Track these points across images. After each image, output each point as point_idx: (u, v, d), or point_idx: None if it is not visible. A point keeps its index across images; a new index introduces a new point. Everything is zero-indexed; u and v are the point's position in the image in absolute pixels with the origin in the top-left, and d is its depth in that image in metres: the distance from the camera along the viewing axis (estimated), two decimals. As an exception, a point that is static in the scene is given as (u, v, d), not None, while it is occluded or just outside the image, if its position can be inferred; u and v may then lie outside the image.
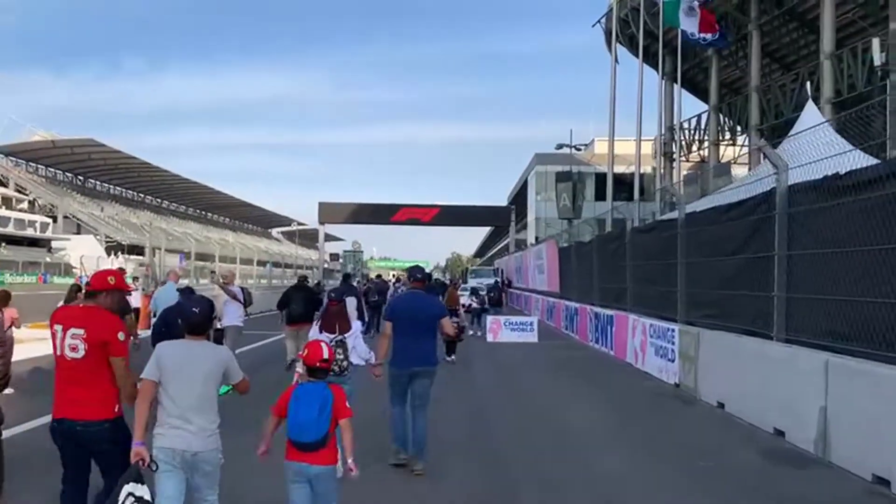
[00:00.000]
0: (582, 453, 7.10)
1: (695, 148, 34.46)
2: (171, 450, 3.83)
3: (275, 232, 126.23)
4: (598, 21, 36.40)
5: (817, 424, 6.76)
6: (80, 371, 4.04)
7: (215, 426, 3.99)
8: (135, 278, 22.62)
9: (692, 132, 34.44)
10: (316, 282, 22.48)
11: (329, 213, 44.93)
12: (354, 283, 20.24)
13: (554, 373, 13.04)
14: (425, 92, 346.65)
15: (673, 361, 11.25)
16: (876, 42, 20.26)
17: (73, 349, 4.03)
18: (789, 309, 8.02)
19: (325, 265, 57.48)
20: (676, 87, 31.96)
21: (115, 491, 3.73)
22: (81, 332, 4.03)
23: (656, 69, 31.64)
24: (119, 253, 61.74)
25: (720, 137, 32.62)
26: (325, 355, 4.25)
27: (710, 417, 8.99)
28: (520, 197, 57.59)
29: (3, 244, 62.94)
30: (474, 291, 20.96)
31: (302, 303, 12.30)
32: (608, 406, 9.83)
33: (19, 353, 10.07)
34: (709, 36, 26.87)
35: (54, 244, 70.39)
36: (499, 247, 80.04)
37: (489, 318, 19.15)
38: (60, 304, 8.16)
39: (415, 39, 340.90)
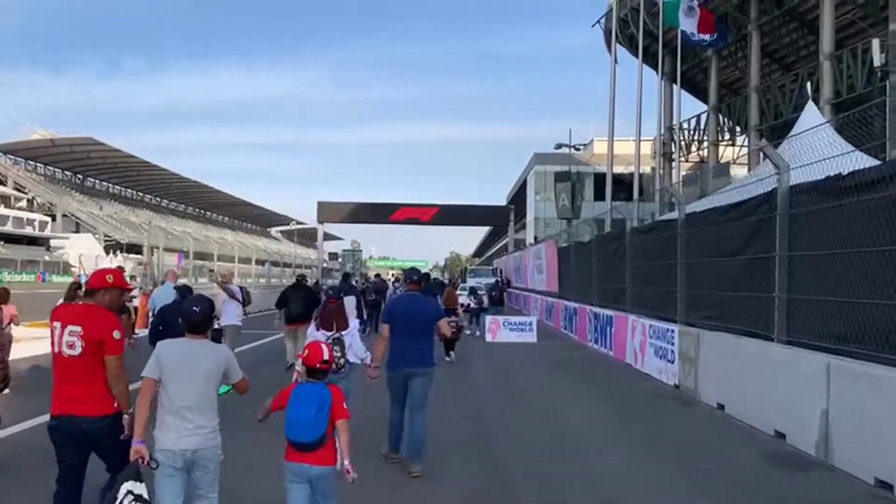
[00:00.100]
0: (581, 454, 7.07)
1: (694, 148, 34.46)
2: (171, 451, 3.83)
3: (274, 231, 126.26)
4: (598, 21, 36.44)
5: (819, 427, 6.72)
6: (76, 368, 4.07)
7: (215, 424, 3.99)
8: (132, 277, 22.57)
9: (691, 132, 34.44)
10: (314, 281, 22.43)
11: (328, 212, 44.85)
12: (353, 283, 20.21)
13: (553, 373, 13.00)
14: (425, 92, 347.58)
15: (673, 362, 11.21)
16: (876, 43, 20.23)
17: (71, 346, 4.07)
18: (790, 310, 7.98)
19: (324, 264, 57.39)
20: (676, 87, 31.97)
21: (114, 488, 3.74)
22: (79, 329, 4.07)
23: (656, 69, 31.65)
24: (118, 252, 61.75)
25: (719, 138, 32.63)
26: (326, 357, 4.25)
27: (709, 419, 8.95)
28: (519, 197, 57.57)
29: (2, 243, 62.85)
30: (472, 291, 20.92)
31: (300, 302, 12.27)
32: (607, 407, 9.79)
33: (17, 352, 10.03)
34: (707, 36, 26.88)
35: (53, 243, 70.34)
36: (498, 246, 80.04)
37: (488, 318, 19.10)
38: (60, 301, 8.20)
39: (415, 39, 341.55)
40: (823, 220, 7.40)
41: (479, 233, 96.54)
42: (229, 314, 11.04)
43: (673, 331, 11.29)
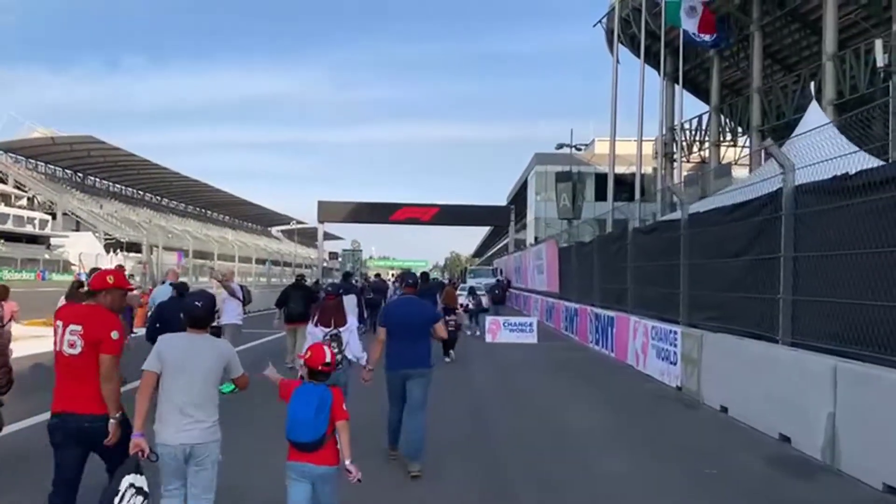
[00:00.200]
0: (581, 455, 7.01)
1: (696, 149, 34.43)
2: (171, 447, 3.84)
3: (274, 230, 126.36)
4: (600, 21, 36.34)
5: (825, 431, 6.63)
6: (76, 367, 4.11)
7: (215, 419, 4.00)
8: (130, 276, 22.52)
9: (693, 133, 34.39)
10: (314, 280, 22.39)
11: (328, 211, 44.78)
12: (354, 282, 20.18)
13: (553, 374, 12.93)
14: (425, 92, 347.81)
15: (675, 364, 11.13)
16: (879, 43, 20.16)
17: (71, 345, 4.13)
18: (795, 312, 7.90)
19: (325, 264, 57.39)
20: (678, 87, 31.84)
21: (115, 481, 3.75)
22: (79, 328, 4.13)
23: (657, 69, 31.56)
24: (118, 250, 61.78)
25: (721, 138, 32.57)
26: (328, 359, 4.23)
27: (712, 421, 8.86)
28: (519, 197, 57.55)
29: (2, 241, 62.86)
30: (472, 291, 20.85)
31: (300, 301, 12.30)
32: (608, 408, 9.71)
33: (15, 351, 9.94)
34: (709, 37, 26.81)
35: (53, 241, 70.41)
36: (498, 246, 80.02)
37: (488, 319, 19.04)
38: (62, 300, 8.26)
39: (415, 39, 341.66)
40: (830, 221, 7.32)
41: (479, 233, 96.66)
42: (230, 313, 11.04)
43: (675, 332, 11.21)
